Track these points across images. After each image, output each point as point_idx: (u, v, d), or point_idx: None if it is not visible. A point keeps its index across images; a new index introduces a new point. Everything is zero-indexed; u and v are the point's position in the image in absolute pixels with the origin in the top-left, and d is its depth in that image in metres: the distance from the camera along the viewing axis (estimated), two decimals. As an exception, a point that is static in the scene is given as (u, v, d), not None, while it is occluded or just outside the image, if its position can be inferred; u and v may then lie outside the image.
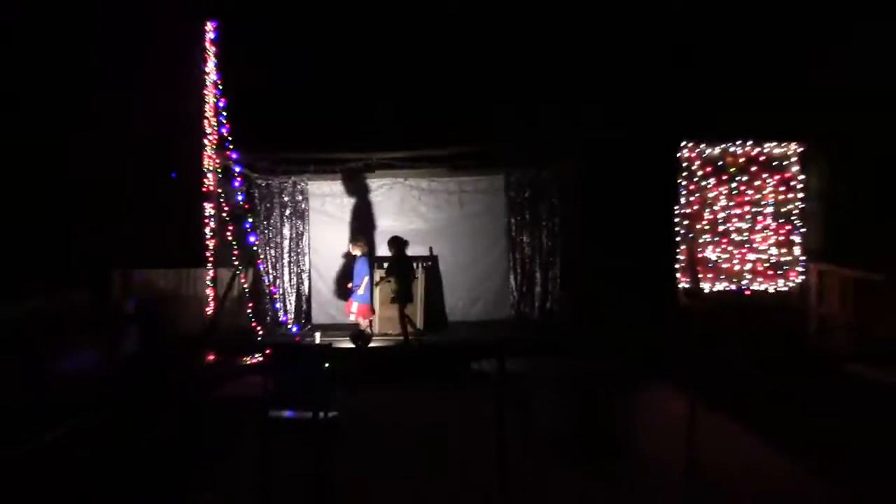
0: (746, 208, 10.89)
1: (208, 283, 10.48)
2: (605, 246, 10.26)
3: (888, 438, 6.39)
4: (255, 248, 11.53)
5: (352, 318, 10.91)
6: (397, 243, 10.99)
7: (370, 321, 11.08)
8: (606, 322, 9.77)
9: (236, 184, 10.95)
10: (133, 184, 10.23)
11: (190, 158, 10.46)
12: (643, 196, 10.29)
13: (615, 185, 10.27)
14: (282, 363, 5.86)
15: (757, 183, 10.90)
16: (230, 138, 10.60)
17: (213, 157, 10.56)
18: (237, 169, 10.93)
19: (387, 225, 12.51)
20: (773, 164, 10.88)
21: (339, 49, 10.93)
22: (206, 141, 10.43)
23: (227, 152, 10.65)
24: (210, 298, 10.44)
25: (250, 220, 11.31)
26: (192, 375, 8.68)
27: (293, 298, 12.57)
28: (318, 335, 10.69)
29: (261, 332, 11.24)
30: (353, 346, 10.19)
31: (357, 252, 10.91)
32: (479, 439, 5.95)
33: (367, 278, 10.81)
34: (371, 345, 10.38)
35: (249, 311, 11.32)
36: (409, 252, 11.68)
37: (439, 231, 12.60)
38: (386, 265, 11.32)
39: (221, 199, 10.77)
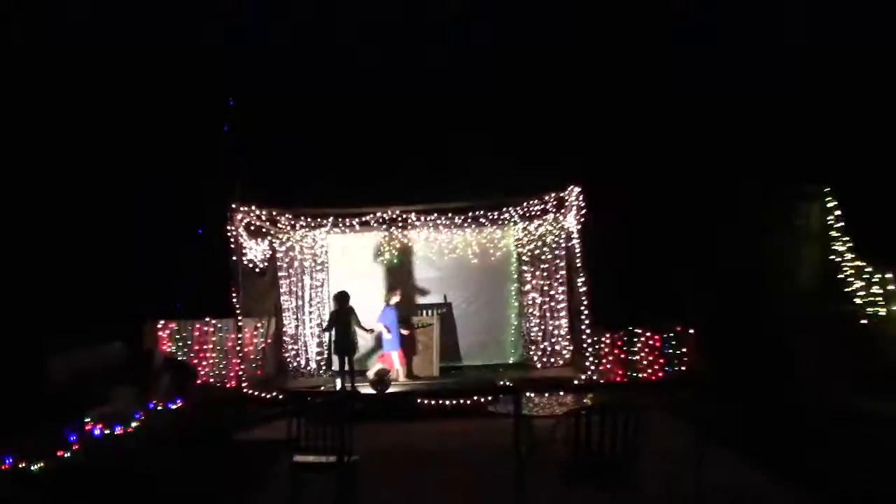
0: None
1: (235, 332, 10.60)
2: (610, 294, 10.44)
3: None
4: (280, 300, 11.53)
5: (385, 366, 11.03)
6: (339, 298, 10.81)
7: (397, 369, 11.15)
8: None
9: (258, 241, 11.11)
10: (163, 240, 10.50)
11: (216, 216, 10.71)
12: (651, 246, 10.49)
13: (617, 235, 10.42)
14: (305, 409, 5.96)
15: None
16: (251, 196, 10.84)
17: (238, 213, 10.74)
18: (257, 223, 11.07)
19: (400, 273, 12.52)
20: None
21: (354, 114, 11.24)
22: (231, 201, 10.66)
23: (250, 208, 10.83)
24: (237, 347, 10.53)
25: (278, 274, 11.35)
26: (220, 421, 8.69)
27: (314, 346, 12.56)
28: (338, 381, 10.66)
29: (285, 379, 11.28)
30: (373, 391, 10.20)
31: (393, 300, 11.19)
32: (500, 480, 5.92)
33: (388, 327, 11.06)
34: (392, 389, 10.38)
35: (272, 357, 11.34)
36: (426, 299, 11.78)
37: (452, 280, 12.63)
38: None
39: (245, 254, 10.93)
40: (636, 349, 10.83)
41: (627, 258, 10.86)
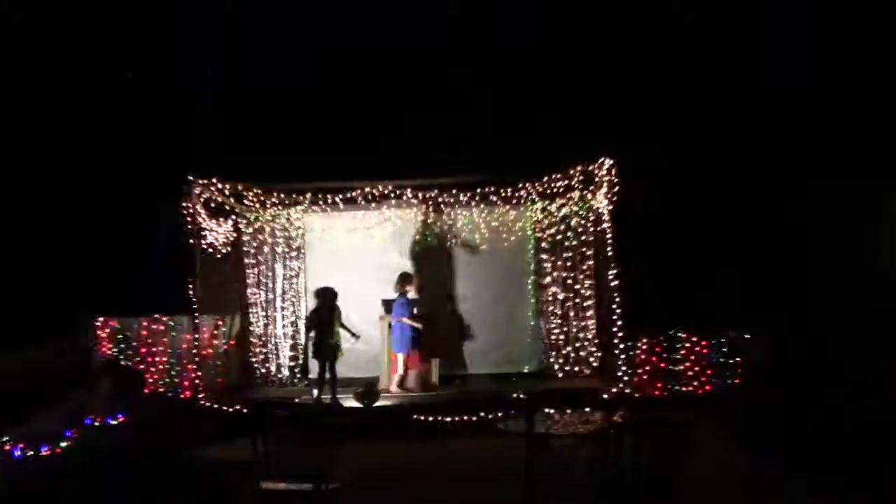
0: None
1: (191, 331, 10.57)
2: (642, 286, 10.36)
3: None
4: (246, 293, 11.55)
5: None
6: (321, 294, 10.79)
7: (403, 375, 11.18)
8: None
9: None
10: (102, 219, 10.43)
11: (168, 190, 10.66)
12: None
13: (655, 220, 10.31)
14: (275, 424, 5.85)
15: None
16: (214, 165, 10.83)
17: (195, 186, 10.69)
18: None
19: (397, 263, 12.46)
20: None
21: (343, 61, 11.16)
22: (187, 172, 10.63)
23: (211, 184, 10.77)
24: (194, 349, 10.49)
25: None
26: (172, 439, 8.62)
27: (287, 349, 12.51)
28: (316, 391, 10.59)
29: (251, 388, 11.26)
30: (358, 405, 10.14)
31: (408, 291, 11.23)
32: None
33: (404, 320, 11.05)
34: (380, 403, 10.30)
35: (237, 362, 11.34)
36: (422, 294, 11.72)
37: (456, 270, 12.62)
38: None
39: (205, 237, 10.89)
40: (679, 357, 10.74)
41: (670, 247, 10.76)
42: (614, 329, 10.55)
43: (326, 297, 10.55)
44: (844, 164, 10.36)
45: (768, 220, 10.91)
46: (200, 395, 10.21)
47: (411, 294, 11.38)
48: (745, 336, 10.58)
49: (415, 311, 11.38)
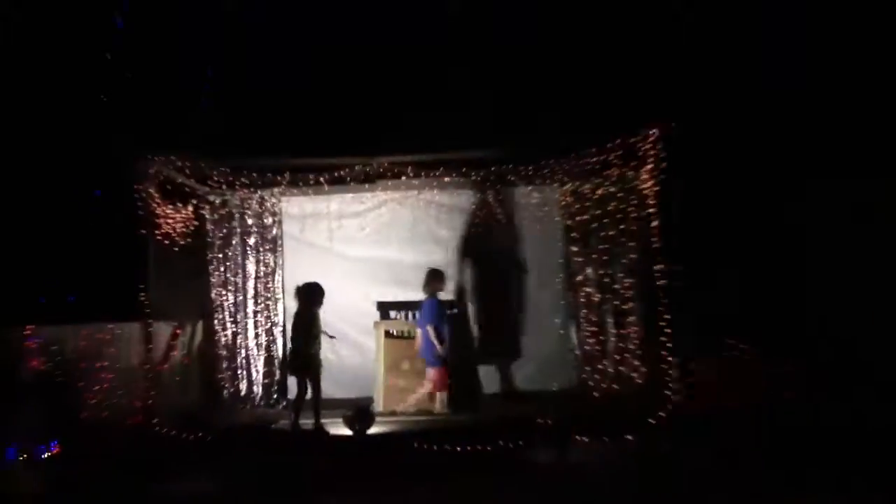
0: None
1: (143, 342, 10.43)
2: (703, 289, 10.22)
3: None
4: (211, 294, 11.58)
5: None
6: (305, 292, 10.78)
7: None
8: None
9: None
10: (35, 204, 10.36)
11: (116, 168, 10.63)
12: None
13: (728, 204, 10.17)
14: (244, 456, 5.68)
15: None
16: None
17: (149, 164, 10.59)
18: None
19: (392, 257, 12.50)
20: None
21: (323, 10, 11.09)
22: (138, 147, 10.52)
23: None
24: (146, 364, 10.39)
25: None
26: (117, 476, 8.44)
27: (261, 363, 12.46)
28: (293, 416, 10.48)
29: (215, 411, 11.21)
30: (349, 432, 10.04)
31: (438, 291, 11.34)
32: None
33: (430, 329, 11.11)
34: (374, 430, 10.19)
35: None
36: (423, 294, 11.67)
37: (468, 265, 12.47)
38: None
39: (159, 226, 10.81)
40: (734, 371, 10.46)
41: (729, 242, 10.60)
42: (662, 339, 10.36)
43: (311, 297, 10.56)
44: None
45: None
46: (154, 421, 10.08)
47: (442, 295, 11.47)
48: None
49: (448, 313, 11.59)
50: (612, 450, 9.23)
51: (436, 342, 11.13)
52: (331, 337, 10.94)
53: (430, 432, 9.83)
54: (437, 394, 11.28)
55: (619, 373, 11.88)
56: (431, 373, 11.24)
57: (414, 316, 12.15)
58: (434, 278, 11.42)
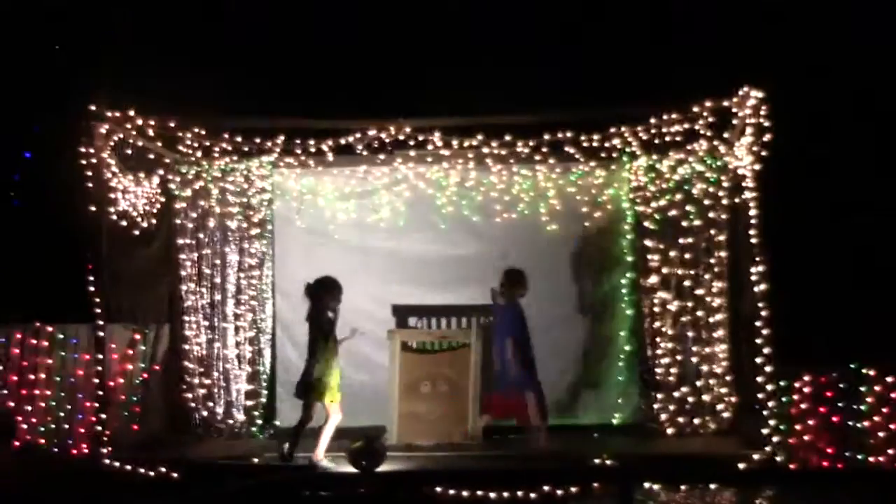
0: None
1: (91, 350, 10.53)
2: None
3: None
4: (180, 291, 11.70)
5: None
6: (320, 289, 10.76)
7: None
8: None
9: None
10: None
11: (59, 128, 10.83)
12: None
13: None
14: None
15: None
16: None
17: (102, 124, 10.59)
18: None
19: (412, 248, 12.55)
20: None
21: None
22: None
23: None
24: (95, 378, 10.42)
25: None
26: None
27: (243, 379, 12.48)
28: (287, 447, 10.45)
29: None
30: (354, 469, 9.99)
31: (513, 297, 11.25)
32: None
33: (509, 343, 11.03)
34: (385, 467, 10.11)
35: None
36: (457, 296, 11.85)
37: (510, 261, 12.24)
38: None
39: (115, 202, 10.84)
40: (862, 406, 10.42)
41: (853, 234, 10.50)
42: (759, 360, 10.33)
43: (328, 295, 10.58)
44: None
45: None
46: (104, 451, 10.10)
47: (519, 296, 11.39)
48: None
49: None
50: (688, 501, 9.25)
51: (512, 360, 11.04)
52: (360, 334, 10.98)
53: (456, 473, 9.87)
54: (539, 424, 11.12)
55: (700, 402, 11.89)
56: (496, 399, 11.19)
57: (438, 324, 12.21)
58: (517, 281, 11.32)
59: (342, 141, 11.50)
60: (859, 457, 10.31)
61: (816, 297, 10.43)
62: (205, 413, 12.23)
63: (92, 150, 10.46)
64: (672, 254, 12.17)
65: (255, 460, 10.49)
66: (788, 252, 10.47)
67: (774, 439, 10.13)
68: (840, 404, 10.45)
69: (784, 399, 10.39)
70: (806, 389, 10.48)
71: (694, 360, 11.96)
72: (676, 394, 12.00)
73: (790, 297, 10.39)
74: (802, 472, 10.10)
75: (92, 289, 10.33)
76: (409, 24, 11.78)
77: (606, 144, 11.66)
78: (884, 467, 10.22)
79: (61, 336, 10.87)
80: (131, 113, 10.80)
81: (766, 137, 10.32)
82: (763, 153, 10.39)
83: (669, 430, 11.85)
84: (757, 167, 10.46)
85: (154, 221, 11.68)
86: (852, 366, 10.48)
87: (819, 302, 10.42)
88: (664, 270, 12.21)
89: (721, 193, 11.69)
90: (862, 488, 9.67)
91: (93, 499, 9.41)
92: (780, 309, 10.31)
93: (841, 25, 11.45)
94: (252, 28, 12.10)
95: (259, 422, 12.28)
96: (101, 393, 10.26)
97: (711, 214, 11.84)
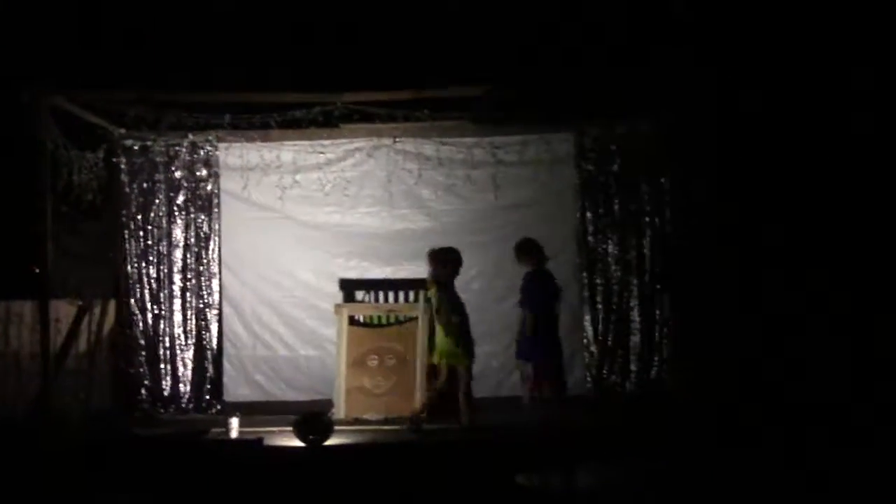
0: None
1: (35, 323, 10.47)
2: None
3: None
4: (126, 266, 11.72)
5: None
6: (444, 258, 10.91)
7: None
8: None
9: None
10: None
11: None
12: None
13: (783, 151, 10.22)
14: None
15: None
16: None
17: (45, 97, 10.52)
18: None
19: (360, 223, 12.50)
20: None
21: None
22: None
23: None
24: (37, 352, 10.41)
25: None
26: None
27: (190, 355, 12.46)
28: (234, 422, 10.37)
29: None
30: (301, 442, 9.92)
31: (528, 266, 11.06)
32: None
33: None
34: (332, 441, 10.06)
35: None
36: (404, 272, 11.91)
37: (455, 234, 12.28)
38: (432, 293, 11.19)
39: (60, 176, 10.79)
40: None
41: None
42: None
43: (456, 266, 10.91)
44: None
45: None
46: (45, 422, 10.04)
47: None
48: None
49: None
50: (635, 475, 9.14)
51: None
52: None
53: (400, 446, 9.97)
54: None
55: (645, 374, 12.02)
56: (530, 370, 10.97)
57: (386, 297, 12.18)
58: (536, 250, 11.05)
59: (287, 115, 11.53)
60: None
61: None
62: (150, 388, 12.23)
63: (35, 123, 10.37)
64: (617, 226, 12.34)
65: (202, 435, 10.36)
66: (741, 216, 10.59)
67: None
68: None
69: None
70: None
71: (633, 339, 12.20)
72: (619, 358, 12.25)
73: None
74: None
75: (36, 265, 10.27)
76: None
77: (551, 117, 11.83)
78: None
79: (2, 311, 10.74)
80: (76, 87, 10.72)
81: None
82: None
83: (613, 401, 11.98)
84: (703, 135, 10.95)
85: (98, 197, 11.59)
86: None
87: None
88: (609, 243, 12.36)
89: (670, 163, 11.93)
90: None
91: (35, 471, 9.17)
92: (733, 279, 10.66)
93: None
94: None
95: (207, 397, 12.22)
96: (42, 367, 10.22)
97: (661, 183, 12.10)
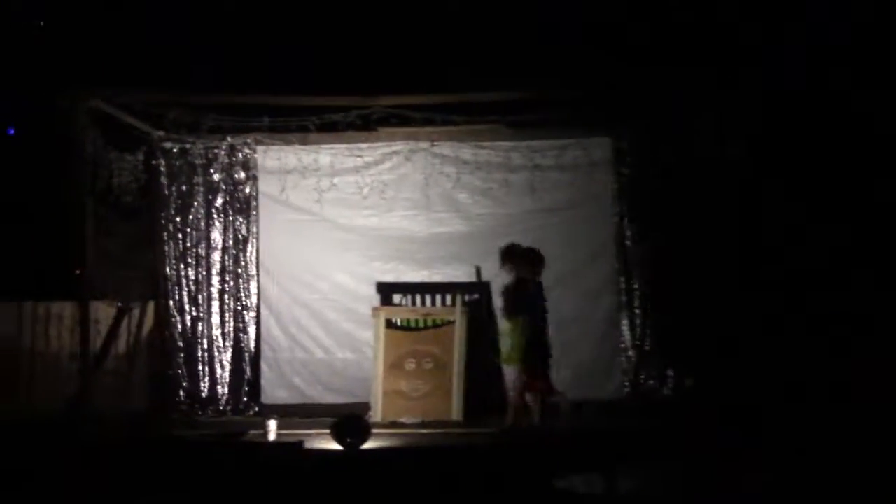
0: None
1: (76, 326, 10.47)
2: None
3: None
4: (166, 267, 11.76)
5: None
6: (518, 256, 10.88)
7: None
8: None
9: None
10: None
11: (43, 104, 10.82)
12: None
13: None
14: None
15: None
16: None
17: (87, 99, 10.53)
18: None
19: (397, 226, 12.44)
20: None
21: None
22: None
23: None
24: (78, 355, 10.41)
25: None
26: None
27: (228, 357, 12.48)
28: (272, 424, 10.35)
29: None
30: (338, 445, 9.85)
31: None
32: None
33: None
34: (369, 444, 9.99)
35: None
36: (440, 275, 11.84)
37: (492, 238, 12.23)
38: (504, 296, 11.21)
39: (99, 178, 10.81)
40: None
41: None
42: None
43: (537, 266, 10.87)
44: None
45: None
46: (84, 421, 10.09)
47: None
48: None
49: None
50: (676, 478, 8.98)
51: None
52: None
53: (440, 450, 9.83)
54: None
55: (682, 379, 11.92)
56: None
57: (423, 301, 12.20)
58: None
59: (325, 118, 11.55)
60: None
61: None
62: (189, 389, 12.25)
63: (76, 127, 10.42)
64: (657, 231, 12.19)
65: (240, 437, 10.32)
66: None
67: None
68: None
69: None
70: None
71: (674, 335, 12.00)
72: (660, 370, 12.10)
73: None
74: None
75: (77, 267, 10.31)
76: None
77: (589, 121, 11.80)
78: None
79: (42, 312, 10.91)
80: (116, 90, 10.74)
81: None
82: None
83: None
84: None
85: (139, 198, 11.63)
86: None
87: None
88: (648, 247, 12.26)
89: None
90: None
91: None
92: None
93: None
94: (234, 5, 11.99)
95: (244, 399, 12.21)
96: (83, 368, 10.28)
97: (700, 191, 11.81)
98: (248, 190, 12.59)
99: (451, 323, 11.62)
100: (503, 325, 11.01)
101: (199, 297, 12.46)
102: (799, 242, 10.57)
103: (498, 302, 11.42)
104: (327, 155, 12.40)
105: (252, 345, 12.49)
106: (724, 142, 11.06)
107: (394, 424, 11.11)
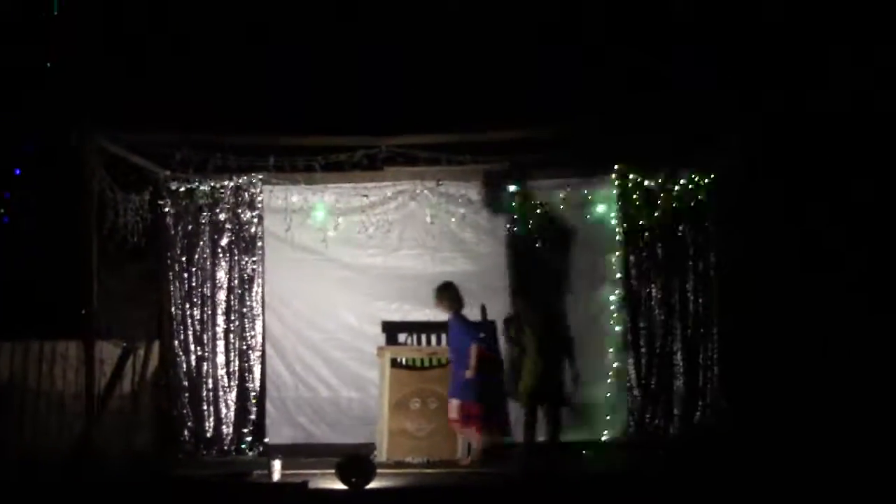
0: None
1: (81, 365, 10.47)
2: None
3: None
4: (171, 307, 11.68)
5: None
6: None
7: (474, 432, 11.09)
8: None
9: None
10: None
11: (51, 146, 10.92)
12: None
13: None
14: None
15: None
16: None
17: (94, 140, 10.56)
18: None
19: (403, 265, 12.41)
20: None
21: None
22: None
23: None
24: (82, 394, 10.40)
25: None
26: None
27: (233, 396, 12.38)
28: (277, 465, 10.22)
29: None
30: (343, 485, 9.77)
31: (446, 311, 11.25)
32: None
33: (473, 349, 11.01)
34: (374, 484, 9.91)
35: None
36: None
37: (497, 277, 12.34)
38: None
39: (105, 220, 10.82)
40: None
41: None
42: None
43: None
44: None
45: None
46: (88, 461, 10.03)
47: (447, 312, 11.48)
48: None
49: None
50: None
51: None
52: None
53: (446, 490, 9.79)
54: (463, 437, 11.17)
55: (688, 420, 11.88)
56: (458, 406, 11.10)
57: (429, 340, 12.12)
58: (441, 294, 11.41)
59: (331, 158, 11.59)
60: None
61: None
62: (193, 429, 12.17)
63: (84, 168, 10.45)
64: (660, 271, 12.20)
65: (244, 477, 10.25)
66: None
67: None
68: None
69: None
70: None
71: (677, 383, 12.01)
72: (660, 403, 12.06)
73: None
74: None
75: (83, 306, 10.29)
76: (398, 39, 11.79)
77: (595, 162, 11.84)
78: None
79: (48, 351, 10.69)
80: (121, 131, 10.79)
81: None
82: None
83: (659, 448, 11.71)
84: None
85: (144, 239, 11.62)
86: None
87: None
88: (654, 284, 12.24)
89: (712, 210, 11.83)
90: None
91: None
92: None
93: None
94: (241, 46, 12.03)
95: (249, 439, 12.12)
96: (89, 407, 10.26)
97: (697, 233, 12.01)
98: (253, 229, 12.53)
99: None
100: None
101: (205, 336, 12.39)
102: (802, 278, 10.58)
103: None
104: (333, 195, 12.42)
105: (257, 384, 12.38)
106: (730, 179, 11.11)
107: (399, 464, 11.07)
